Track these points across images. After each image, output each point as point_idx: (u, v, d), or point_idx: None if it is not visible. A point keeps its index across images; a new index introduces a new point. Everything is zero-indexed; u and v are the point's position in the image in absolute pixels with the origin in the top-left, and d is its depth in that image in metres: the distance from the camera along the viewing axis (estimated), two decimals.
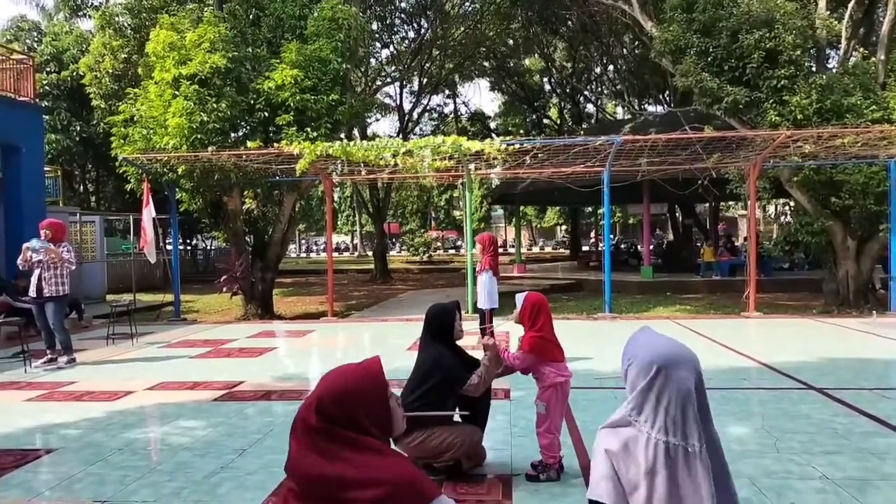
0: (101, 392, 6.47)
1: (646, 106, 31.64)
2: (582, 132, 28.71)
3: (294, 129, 12.09)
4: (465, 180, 12.94)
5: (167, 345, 9.49)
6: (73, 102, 21.88)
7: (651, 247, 23.41)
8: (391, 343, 9.35)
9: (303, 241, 63.44)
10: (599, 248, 29.46)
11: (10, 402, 6.21)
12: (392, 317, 12.72)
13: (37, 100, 13.58)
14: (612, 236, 41.29)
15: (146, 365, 7.95)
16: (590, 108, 36.50)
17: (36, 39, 23.96)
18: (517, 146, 11.56)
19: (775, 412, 5.27)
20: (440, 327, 3.98)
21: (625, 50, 28.32)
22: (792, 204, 14.15)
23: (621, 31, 25.13)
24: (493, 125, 37.14)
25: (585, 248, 36.71)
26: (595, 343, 9.13)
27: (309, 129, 12.20)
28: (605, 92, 35.82)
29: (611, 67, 31.42)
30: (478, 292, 7.67)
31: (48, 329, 7.92)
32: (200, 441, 4.79)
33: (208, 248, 30.85)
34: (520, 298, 3.96)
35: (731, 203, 36.66)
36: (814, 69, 12.73)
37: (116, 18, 16.50)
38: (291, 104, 12.16)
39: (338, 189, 46.47)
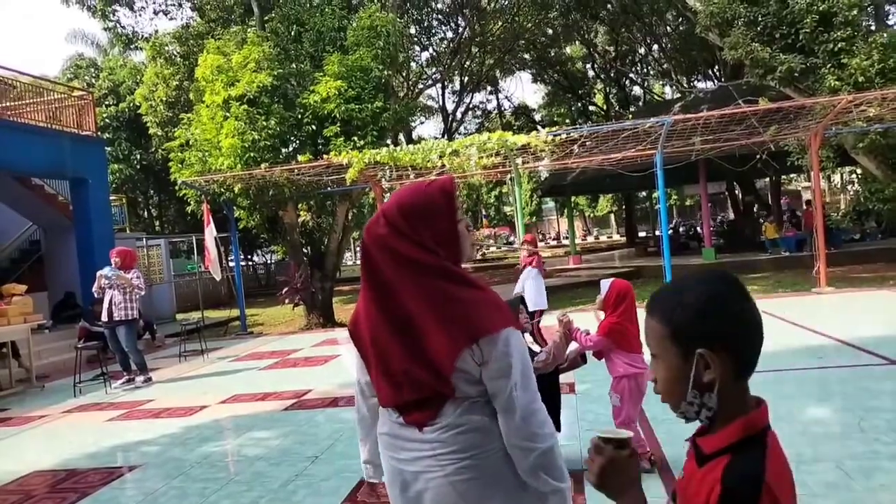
0: (178, 408, 6.73)
1: (695, 83, 30.71)
2: (630, 116, 28.07)
3: (341, 139, 12.29)
4: (514, 175, 12.85)
5: (236, 358, 9.80)
6: (132, 132, 22.86)
7: (711, 227, 22.70)
8: None
9: (358, 249, 64.43)
10: (657, 233, 28.77)
11: (94, 423, 6.53)
12: None
13: (98, 133, 14.24)
14: (669, 219, 40.19)
15: (218, 379, 8.23)
16: (636, 90, 35.71)
17: (94, 75, 25.14)
18: (564, 136, 11.40)
19: (856, 391, 5.02)
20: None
21: (668, 28, 27.57)
22: (859, 171, 13.46)
23: (663, 9, 24.48)
24: (537, 117, 36.77)
25: (643, 234, 35.91)
26: None
27: (356, 138, 12.38)
28: (652, 73, 34.92)
29: (655, 47, 30.63)
30: (526, 291, 7.44)
31: (122, 352, 8.29)
32: (274, 450, 4.92)
33: (268, 262, 31.69)
34: (605, 284, 3.88)
35: (793, 176, 35.20)
36: (873, 28, 12.08)
37: (166, 48, 17.15)
38: (337, 115, 12.36)
39: (388, 195, 46.99)
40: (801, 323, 8.20)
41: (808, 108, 11.05)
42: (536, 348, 4.02)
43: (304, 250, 14.80)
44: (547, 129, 13.85)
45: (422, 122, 37.32)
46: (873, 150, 11.67)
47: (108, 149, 20.78)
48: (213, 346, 11.11)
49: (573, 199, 30.80)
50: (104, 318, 8.22)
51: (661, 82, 37.28)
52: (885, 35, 11.33)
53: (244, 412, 6.30)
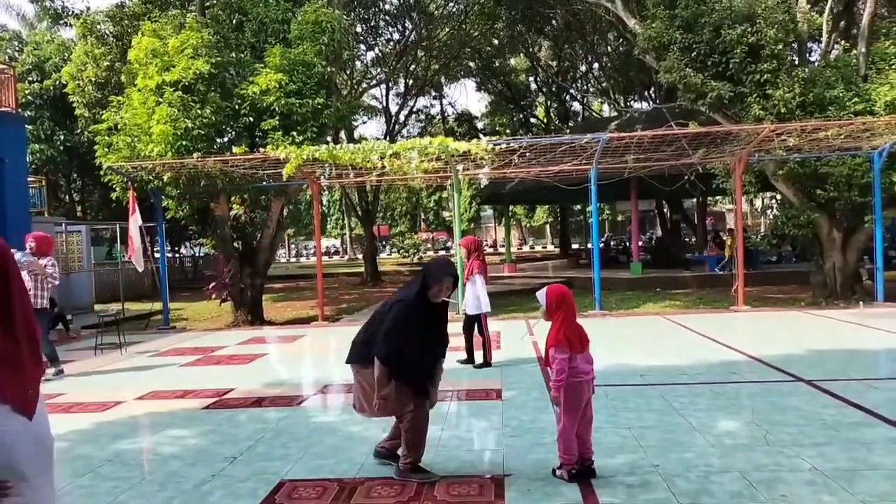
0: (90, 403, 6.40)
1: (631, 103, 31.79)
2: (568, 130, 28.79)
3: (280, 133, 12.04)
4: (453, 181, 12.93)
5: (156, 353, 9.42)
6: (57, 112, 21.70)
7: (640, 243, 23.51)
8: None
9: (292, 246, 63.21)
10: (589, 246, 29.55)
11: None
12: None
13: (19, 110, 13.45)
14: (600, 234, 41.39)
15: (135, 375, 7.89)
16: (576, 106, 36.63)
17: (17, 49, 23.71)
18: (504, 146, 11.57)
19: (765, 405, 5.30)
20: (424, 278, 3.91)
21: (609, 47, 28.44)
22: (778, 197, 14.25)
23: (606, 29, 25.22)
24: (480, 125, 37.17)
25: (576, 246, 36.82)
26: None
27: (295, 134, 12.16)
28: (591, 90, 35.94)
29: (596, 65, 31.54)
30: (467, 298, 7.56)
31: (46, 341, 7.83)
32: (191, 450, 4.75)
33: (196, 255, 30.66)
34: (541, 295, 3.92)
35: (718, 198, 36.90)
36: (796, 63, 12.83)
37: (98, 26, 16.31)
38: (277, 108, 12.11)
39: (326, 193, 46.36)
40: (717, 339, 8.59)
41: (735, 135, 11.62)
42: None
43: (235, 245, 14.40)
44: (488, 137, 14.03)
45: (364, 122, 37.12)
46: (791, 177, 12.38)
47: (30, 127, 19.66)
48: (133, 339, 10.64)
49: (511, 208, 31.25)
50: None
51: (599, 100, 38.43)
52: (806, 70, 12.06)
53: (162, 409, 6.05)
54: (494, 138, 13.13)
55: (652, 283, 17.80)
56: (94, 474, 4.34)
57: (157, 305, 14.10)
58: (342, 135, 23.01)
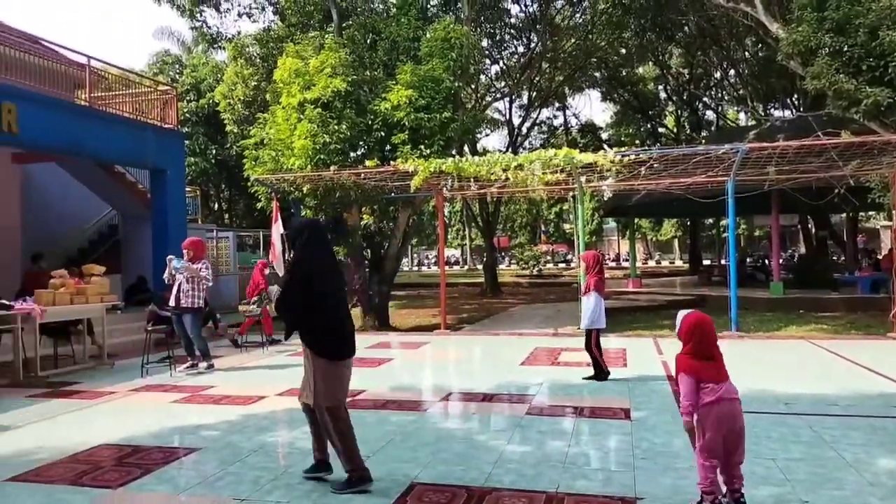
0: (237, 396, 6.96)
1: (771, 111, 29.73)
2: (702, 140, 27.45)
3: (408, 147, 12.48)
4: (577, 193, 12.75)
5: (294, 353, 10.03)
6: (210, 128, 23.83)
7: (781, 260, 21.86)
8: (505, 357, 9.36)
9: (414, 255, 64.97)
10: (723, 262, 27.92)
11: (158, 403, 6.82)
12: (504, 330, 12.72)
13: (179, 126, 14.91)
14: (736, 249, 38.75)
15: (276, 372, 8.47)
16: (709, 115, 34.80)
17: (178, 71, 26.34)
18: (633, 157, 11.25)
19: None
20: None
21: (747, 53, 26.80)
22: None
23: (743, 34, 23.82)
24: (604, 136, 36.32)
25: (707, 262, 34.90)
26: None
27: (423, 147, 12.54)
28: (726, 98, 34.01)
29: (732, 72, 29.81)
30: (583, 313, 7.49)
31: (187, 337, 8.64)
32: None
33: None
34: (680, 316, 3.79)
35: (871, 213, 33.57)
36: None
37: (247, 49, 17.82)
38: (406, 123, 12.56)
39: (448, 204, 47.31)
40: (874, 368, 7.81)
41: (894, 144, 10.55)
42: None
43: (365, 253, 15.07)
44: (615, 148, 13.69)
45: (487, 135, 37.41)
46: None
47: (187, 142, 21.72)
48: (273, 338, 11.40)
49: (636, 221, 30.21)
50: (172, 303, 8.59)
51: (735, 108, 36.27)
52: None
53: (299, 406, 6.43)
54: (622, 149, 12.80)
55: (795, 304, 16.46)
56: (242, 463, 4.71)
57: None
58: (466, 147, 23.40)
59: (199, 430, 5.69)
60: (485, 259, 28.95)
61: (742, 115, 36.48)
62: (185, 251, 8.60)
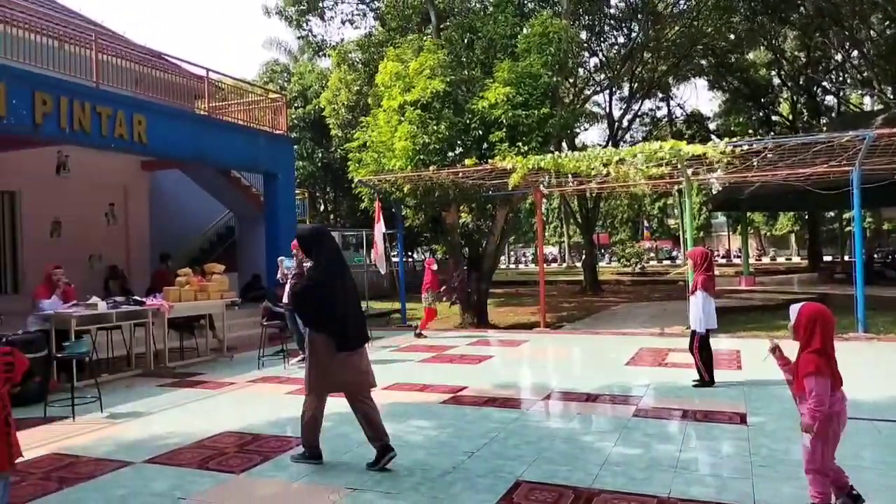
0: None
1: None
2: (822, 128, 25.53)
3: (506, 144, 12.46)
4: (684, 187, 12.23)
5: (397, 349, 10.32)
6: (316, 132, 24.88)
7: None
8: (608, 357, 9.15)
9: (511, 253, 64.74)
10: (847, 258, 25.88)
11: (274, 394, 7.21)
12: (606, 330, 12.43)
13: (288, 132, 15.65)
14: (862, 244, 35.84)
15: (381, 366, 8.67)
16: (829, 100, 32.31)
17: (286, 80, 27.70)
18: (745, 147, 10.65)
19: None
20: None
21: (873, 32, 24.64)
22: None
23: (868, 12, 21.93)
24: (712, 126, 34.57)
25: (828, 258, 32.45)
26: (848, 367, 8.02)
27: (520, 144, 12.49)
28: (849, 81, 31.43)
29: (855, 53, 27.52)
30: (691, 313, 7.09)
31: (299, 332, 9.06)
32: (433, 441, 5.13)
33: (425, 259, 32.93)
34: (794, 310, 3.52)
35: None
36: None
37: (349, 55, 18.46)
38: (504, 121, 12.55)
39: (545, 200, 46.76)
40: None
41: None
42: None
43: (463, 251, 15.21)
44: (725, 139, 13.01)
45: (585, 129, 36.63)
46: None
47: (295, 147, 22.79)
48: (377, 335, 11.72)
49: (748, 215, 28.55)
50: (285, 300, 9.05)
51: (859, 92, 33.47)
52: None
53: (404, 400, 6.62)
54: (733, 139, 12.14)
55: None
56: (353, 454, 4.89)
57: (396, 305, 15.42)
58: (564, 143, 23.03)
59: None
60: (584, 256, 28.39)
61: (867, 100, 33.60)
62: (294, 250, 9.04)
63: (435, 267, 12.65)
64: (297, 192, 18.82)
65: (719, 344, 8.89)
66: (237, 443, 5.28)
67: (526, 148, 12.39)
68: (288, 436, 5.48)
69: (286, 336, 9.46)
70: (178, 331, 9.95)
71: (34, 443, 5.33)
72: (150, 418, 6.22)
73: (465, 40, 14.88)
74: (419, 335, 11.70)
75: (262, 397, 7.10)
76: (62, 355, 6.73)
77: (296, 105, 25.14)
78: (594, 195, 24.97)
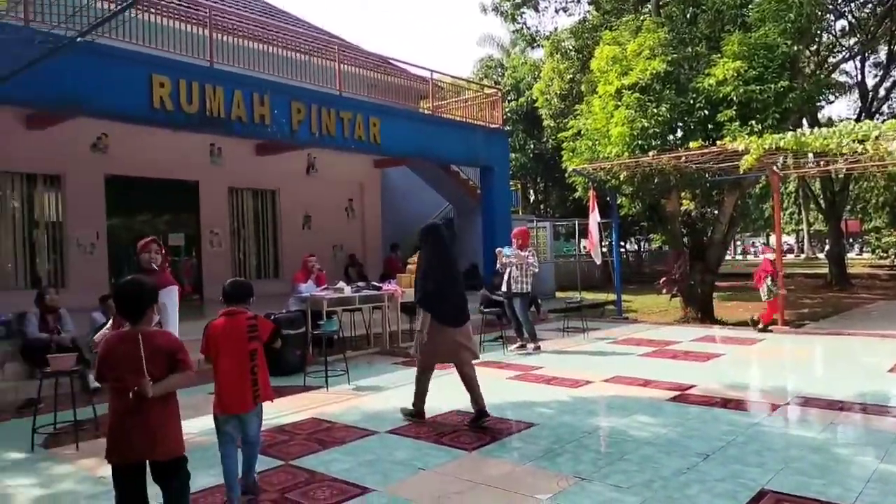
0: (565, 378, 7.26)
1: None
2: None
3: (737, 124, 11.45)
4: None
5: (614, 341, 10.09)
6: (528, 124, 25.17)
7: None
8: (864, 361, 8.03)
9: (737, 243, 59.40)
10: None
11: (496, 379, 7.48)
12: (859, 330, 10.86)
13: (503, 126, 16.04)
14: None
15: (599, 358, 8.61)
16: None
17: (499, 74, 28.38)
18: None
19: None
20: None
21: None
22: None
23: None
24: None
25: None
26: None
27: (753, 123, 11.40)
28: None
29: None
30: None
31: (517, 320, 9.31)
32: (662, 439, 4.94)
33: (640, 249, 31.65)
34: None
35: None
36: None
37: (562, 43, 18.32)
38: (734, 98, 11.55)
39: (780, 184, 42.06)
40: None
41: None
42: None
43: (685, 241, 14.34)
44: None
45: (830, 102, 32.17)
46: None
47: (509, 140, 23.34)
48: (592, 325, 11.57)
49: None
50: (503, 289, 9.34)
51: None
52: None
53: (626, 394, 6.46)
54: None
55: None
56: (578, 443, 4.91)
57: (611, 296, 15.06)
58: (804, 119, 20.49)
59: (532, 406, 6.09)
60: (828, 246, 25.06)
61: None
62: (513, 240, 9.29)
63: (772, 256, 12.03)
64: (510, 183, 19.26)
65: None
66: (466, 421, 5.58)
67: (760, 126, 11.28)
68: (513, 419, 5.68)
69: (504, 323, 9.75)
70: (408, 314, 10.77)
71: (298, 408, 6.17)
72: (388, 392, 6.84)
73: (688, 15, 13.93)
74: (763, 329, 11.05)
75: (484, 381, 7.26)
76: (317, 332, 7.69)
77: (509, 98, 25.65)
78: (841, 176, 21.89)
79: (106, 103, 8.30)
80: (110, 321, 5.49)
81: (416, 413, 5.65)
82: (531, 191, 30.15)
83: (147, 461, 3.00)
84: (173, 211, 13.28)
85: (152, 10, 9.09)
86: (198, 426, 5.06)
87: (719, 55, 12.02)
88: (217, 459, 3.78)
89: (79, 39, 5.28)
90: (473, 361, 5.61)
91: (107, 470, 4.23)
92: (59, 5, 5.41)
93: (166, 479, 3.05)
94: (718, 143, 11.07)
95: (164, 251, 5.47)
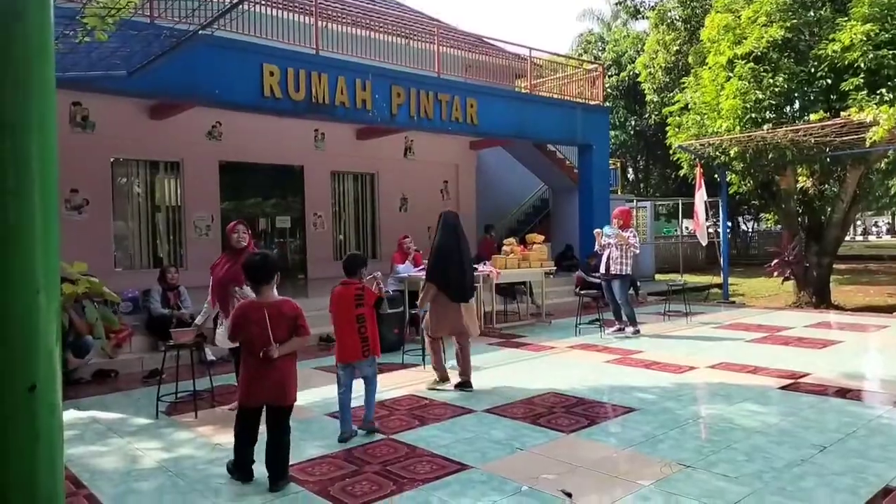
0: (667, 363, 7.03)
1: None
2: None
3: (864, 93, 10.52)
4: None
5: (720, 326, 9.65)
6: (629, 100, 24.28)
7: None
8: None
9: (858, 223, 54.79)
10: None
11: (593, 362, 7.37)
12: None
13: (603, 102, 15.55)
14: None
15: (703, 343, 8.27)
16: None
17: (600, 49, 27.47)
18: None
19: None
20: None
21: None
22: None
23: None
24: None
25: None
26: None
27: (884, 91, 10.42)
28: None
29: None
30: None
31: (615, 302, 9.08)
32: (773, 428, 4.69)
33: (749, 230, 29.90)
34: None
35: None
36: None
37: (669, 14, 17.46)
38: (861, 64, 10.60)
39: None
40: None
41: None
42: None
43: (800, 220, 13.41)
44: None
45: None
46: None
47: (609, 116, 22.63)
48: (695, 309, 11.13)
49: None
50: (602, 270, 9.13)
51: None
52: None
53: (733, 381, 6.18)
54: None
55: None
56: (681, 430, 4.75)
57: (716, 279, 14.37)
58: None
59: (632, 391, 5.96)
60: None
61: None
62: (614, 220, 9.04)
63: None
64: (609, 161, 18.72)
65: None
66: (562, 403, 5.55)
67: (892, 95, 10.30)
68: (613, 403, 5.58)
69: (601, 305, 9.55)
70: (502, 295, 10.79)
71: (397, 384, 6.36)
72: (484, 372, 6.90)
73: None
74: None
75: (582, 363, 7.32)
76: (415, 311, 7.86)
77: (609, 74, 24.83)
78: None
79: (221, 93, 8.79)
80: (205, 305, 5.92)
81: (440, 378, 6.19)
82: (630, 169, 29.15)
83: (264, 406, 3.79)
84: (280, 195, 13.92)
85: (262, 2, 9.49)
86: (307, 398, 5.34)
87: (846, 18, 11.05)
88: (322, 432, 4.01)
89: (199, 32, 5.62)
90: (471, 338, 6.24)
91: (222, 438, 4.60)
92: (181, 2, 5.77)
93: (278, 420, 3.77)
94: (842, 114, 10.23)
95: (249, 232, 5.79)
